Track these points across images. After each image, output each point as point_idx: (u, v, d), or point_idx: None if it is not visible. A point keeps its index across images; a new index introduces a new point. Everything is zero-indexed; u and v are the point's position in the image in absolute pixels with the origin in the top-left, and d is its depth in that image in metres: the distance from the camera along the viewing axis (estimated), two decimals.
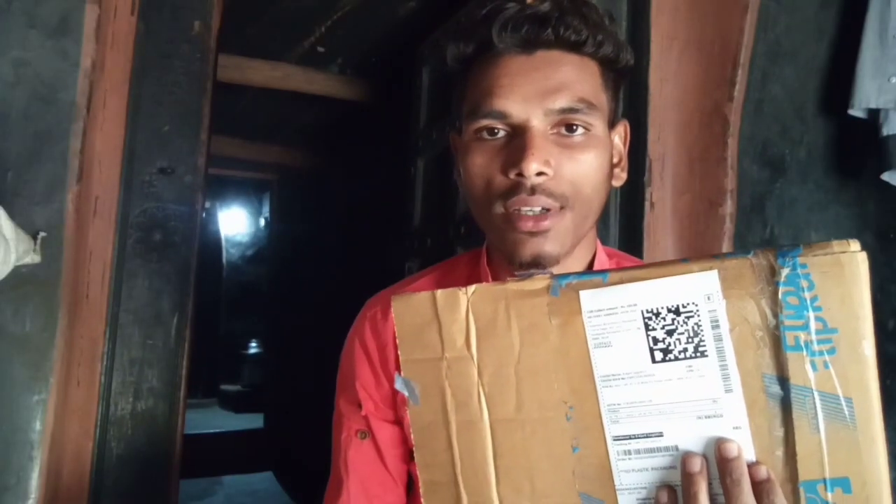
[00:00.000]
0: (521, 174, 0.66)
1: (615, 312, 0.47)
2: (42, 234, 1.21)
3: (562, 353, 0.49)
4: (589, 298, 0.48)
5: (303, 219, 4.92)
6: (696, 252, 1.50)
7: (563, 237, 0.68)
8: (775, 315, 0.44)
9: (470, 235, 1.78)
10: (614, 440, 0.48)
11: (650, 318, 0.47)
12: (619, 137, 0.77)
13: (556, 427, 0.49)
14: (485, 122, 0.69)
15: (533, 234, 0.67)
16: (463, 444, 0.51)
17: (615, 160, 0.75)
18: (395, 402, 0.81)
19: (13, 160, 1.23)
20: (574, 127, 0.68)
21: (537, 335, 0.49)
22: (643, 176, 1.51)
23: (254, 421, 6.04)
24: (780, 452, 0.45)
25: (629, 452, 0.48)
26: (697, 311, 0.45)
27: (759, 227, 1.46)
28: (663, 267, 0.47)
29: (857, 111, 1.30)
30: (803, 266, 0.43)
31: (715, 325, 0.45)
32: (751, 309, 0.44)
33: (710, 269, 0.45)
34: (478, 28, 0.71)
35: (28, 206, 1.22)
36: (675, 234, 1.53)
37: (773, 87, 1.46)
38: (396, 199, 2.49)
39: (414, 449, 0.53)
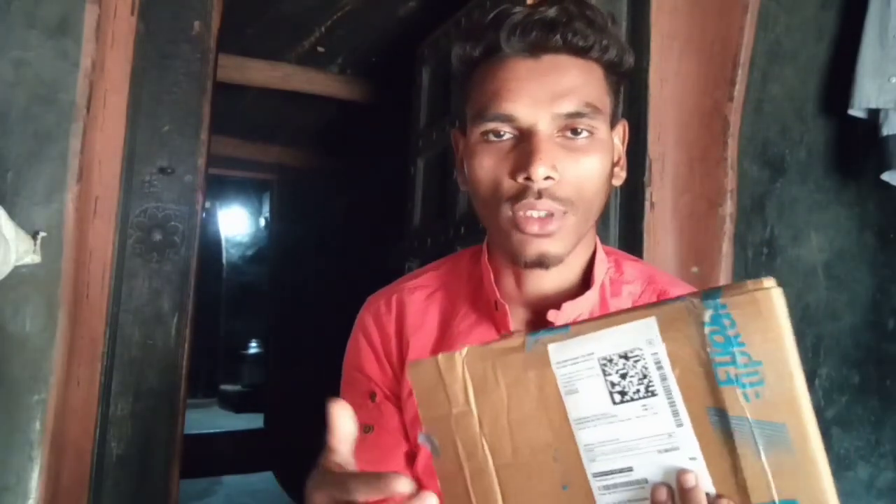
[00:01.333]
0: (529, 178, 0.68)
1: (578, 362, 0.52)
2: (42, 234, 1.21)
3: (541, 401, 0.54)
4: (555, 351, 0.53)
5: (303, 219, 4.92)
6: (696, 252, 1.51)
7: (567, 238, 0.71)
8: (706, 353, 0.48)
9: (470, 235, 1.78)
10: (594, 476, 0.53)
11: (605, 365, 0.51)
12: (619, 137, 0.79)
13: (546, 468, 0.54)
14: (492, 125, 0.70)
15: (538, 235, 0.69)
16: (477, 490, 0.56)
17: (615, 159, 0.77)
18: (401, 392, 0.82)
19: (13, 160, 1.23)
20: (579, 130, 0.70)
21: (520, 387, 0.54)
22: (643, 176, 1.51)
23: (254, 421, 6.04)
24: (731, 479, 0.49)
25: (608, 487, 0.53)
26: (642, 355, 0.50)
27: (759, 227, 1.46)
28: (612, 317, 0.52)
29: (857, 111, 1.30)
30: (723, 307, 0.47)
31: (659, 367, 0.50)
32: (686, 349, 0.49)
33: (649, 316, 0.50)
34: (485, 31, 0.72)
35: (28, 206, 1.22)
36: (675, 234, 1.53)
37: (773, 87, 1.46)
38: (396, 199, 2.49)
39: (442, 497, 0.57)
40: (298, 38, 2.79)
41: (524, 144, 0.69)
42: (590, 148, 0.70)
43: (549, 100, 0.69)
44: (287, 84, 2.98)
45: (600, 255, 0.79)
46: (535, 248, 0.70)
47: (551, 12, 0.70)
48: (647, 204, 1.51)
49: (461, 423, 0.56)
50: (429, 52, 2.19)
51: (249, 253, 8.08)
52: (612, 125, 0.76)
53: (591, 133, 0.70)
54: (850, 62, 1.30)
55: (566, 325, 0.53)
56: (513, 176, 0.69)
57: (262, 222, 7.81)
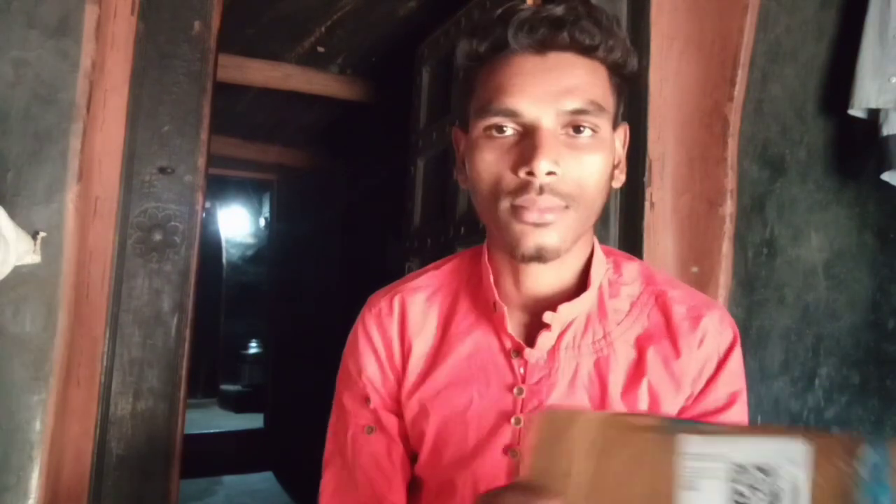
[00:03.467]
0: (531, 173, 0.68)
1: (706, 459, 0.51)
2: (42, 234, 1.21)
3: (654, 487, 0.52)
4: (687, 442, 0.52)
5: (303, 219, 4.92)
6: (696, 252, 1.50)
7: (565, 233, 0.71)
8: (853, 492, 0.47)
9: (470, 235, 1.78)
10: None
11: (737, 471, 0.50)
12: (620, 140, 0.79)
13: None
14: (495, 120, 0.70)
15: (537, 225, 0.69)
16: None
17: (615, 162, 0.77)
18: (400, 396, 0.82)
19: (13, 160, 1.23)
20: (582, 128, 0.70)
21: (639, 467, 0.53)
22: (643, 176, 1.51)
23: (254, 421, 6.04)
24: None
25: None
26: (780, 473, 0.49)
27: (759, 227, 1.46)
28: (760, 428, 0.50)
29: (857, 111, 1.30)
30: (888, 455, 0.46)
31: (794, 490, 0.48)
32: (832, 483, 0.47)
33: (801, 439, 0.49)
34: (493, 27, 0.72)
35: (28, 206, 1.22)
36: (675, 234, 1.53)
37: (773, 87, 1.46)
38: (396, 199, 2.49)
39: None
40: (298, 38, 2.79)
41: (527, 140, 0.69)
42: (592, 146, 0.71)
43: (553, 96, 0.69)
44: (287, 84, 2.98)
45: (598, 257, 0.79)
46: (533, 239, 0.70)
47: (559, 10, 0.70)
48: (647, 204, 1.51)
49: (571, 484, 0.54)
50: (429, 52, 2.19)
51: (249, 253, 8.08)
52: (615, 127, 0.76)
53: (594, 131, 0.71)
54: (850, 62, 1.30)
55: (706, 423, 0.52)
56: (515, 171, 0.69)
57: (262, 222, 7.81)
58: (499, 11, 0.72)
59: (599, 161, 0.71)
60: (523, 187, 0.69)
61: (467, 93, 0.77)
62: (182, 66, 1.49)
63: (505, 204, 0.70)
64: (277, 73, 2.94)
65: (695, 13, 1.54)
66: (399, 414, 0.83)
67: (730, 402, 0.77)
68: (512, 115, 0.70)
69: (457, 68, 0.79)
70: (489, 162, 0.71)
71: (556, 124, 0.69)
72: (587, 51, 0.71)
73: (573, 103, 0.69)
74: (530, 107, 0.69)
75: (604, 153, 0.72)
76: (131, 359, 1.41)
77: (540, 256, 0.71)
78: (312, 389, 4.09)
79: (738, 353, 0.79)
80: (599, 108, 0.70)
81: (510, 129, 0.70)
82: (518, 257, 0.72)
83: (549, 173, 0.68)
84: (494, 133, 0.71)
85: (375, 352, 0.84)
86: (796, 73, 1.44)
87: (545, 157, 0.67)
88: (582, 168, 0.70)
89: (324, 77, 3.07)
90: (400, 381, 0.83)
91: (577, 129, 0.70)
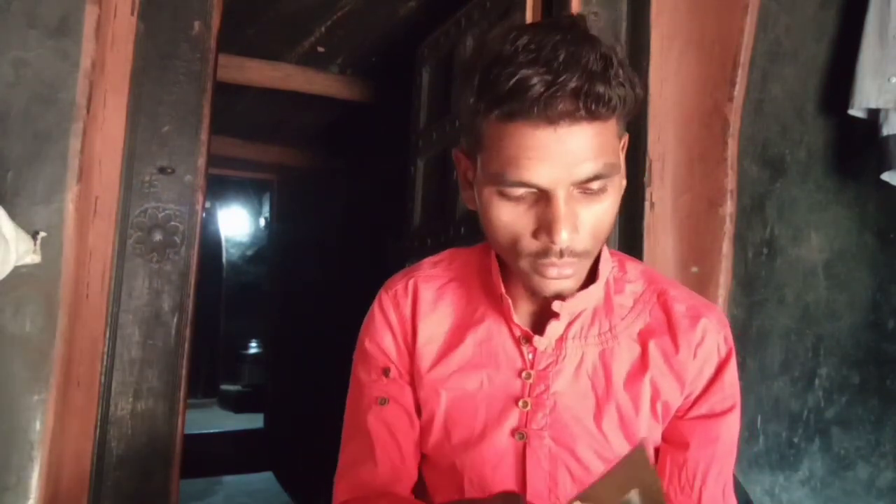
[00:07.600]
0: (552, 241, 0.70)
1: None
2: (42, 234, 1.21)
3: None
4: None
5: (303, 219, 4.92)
6: (696, 252, 1.50)
7: (581, 274, 0.76)
8: None
9: (470, 235, 1.78)
10: None
11: None
12: (622, 151, 0.79)
13: None
14: (509, 190, 0.70)
15: (556, 279, 0.73)
16: None
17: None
18: (414, 370, 0.86)
19: (13, 160, 1.22)
20: (596, 187, 0.71)
21: None
22: (643, 176, 1.51)
23: (254, 421, 6.04)
24: None
25: None
26: None
27: (759, 227, 1.46)
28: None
29: (857, 111, 1.30)
30: None
31: None
32: None
33: None
34: (504, 99, 0.68)
35: (28, 206, 1.22)
36: (675, 234, 1.53)
37: (773, 87, 1.46)
38: (396, 199, 2.49)
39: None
40: (298, 38, 2.79)
41: (545, 207, 0.70)
42: (605, 196, 0.72)
43: (567, 168, 0.68)
44: (287, 84, 2.98)
45: (605, 255, 0.82)
46: (553, 287, 0.74)
47: (573, 82, 0.65)
48: (646, 204, 1.51)
49: None
50: (429, 52, 2.19)
51: (249, 253, 8.08)
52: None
53: (607, 185, 0.71)
54: (850, 62, 1.30)
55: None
56: (535, 236, 0.71)
57: (262, 222, 7.80)
58: (510, 82, 0.66)
59: (611, 205, 0.73)
60: (544, 251, 0.71)
61: (472, 137, 0.75)
62: (182, 66, 1.49)
63: (525, 262, 0.73)
64: (277, 73, 2.93)
65: (695, 13, 1.54)
66: (414, 387, 0.86)
67: (733, 406, 0.81)
68: (528, 186, 0.69)
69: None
70: (506, 223, 0.72)
71: (570, 190, 0.70)
72: (601, 117, 0.68)
73: (587, 171, 0.69)
74: (545, 179, 0.68)
75: (615, 194, 0.73)
76: (131, 359, 1.41)
77: (559, 297, 0.75)
78: (312, 389, 4.09)
79: (734, 357, 0.82)
80: (613, 167, 0.71)
81: (524, 192, 0.70)
82: (539, 297, 0.78)
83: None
84: (508, 194, 0.71)
85: (391, 327, 0.88)
86: (796, 73, 1.44)
87: (565, 228, 0.69)
88: (596, 219, 0.72)
89: (324, 77, 3.07)
90: (412, 357, 0.86)
91: (591, 186, 0.70)
